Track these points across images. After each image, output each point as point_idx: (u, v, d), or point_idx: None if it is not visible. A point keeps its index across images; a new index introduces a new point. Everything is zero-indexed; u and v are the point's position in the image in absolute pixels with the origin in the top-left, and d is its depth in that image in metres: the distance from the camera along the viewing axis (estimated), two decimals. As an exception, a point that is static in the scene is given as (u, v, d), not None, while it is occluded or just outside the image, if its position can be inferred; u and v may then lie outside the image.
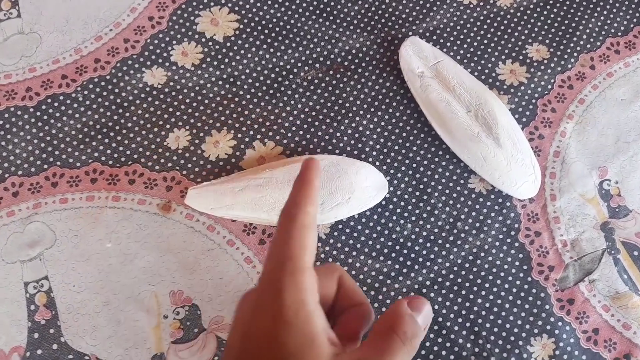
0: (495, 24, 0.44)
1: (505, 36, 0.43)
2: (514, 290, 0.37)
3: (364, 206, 0.38)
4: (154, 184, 0.39)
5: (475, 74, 0.42)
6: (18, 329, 0.35)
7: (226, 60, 0.42)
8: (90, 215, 0.38)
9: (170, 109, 0.40)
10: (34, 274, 0.36)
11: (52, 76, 0.41)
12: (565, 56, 0.43)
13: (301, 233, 0.21)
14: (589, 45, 0.43)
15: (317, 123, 0.41)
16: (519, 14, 0.44)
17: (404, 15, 0.44)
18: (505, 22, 0.44)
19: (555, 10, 0.44)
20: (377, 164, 0.40)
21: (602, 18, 0.44)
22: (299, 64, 0.42)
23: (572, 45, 0.43)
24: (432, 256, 0.38)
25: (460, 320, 0.36)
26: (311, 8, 0.44)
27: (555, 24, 0.44)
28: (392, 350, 0.20)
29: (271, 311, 0.20)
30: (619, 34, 0.44)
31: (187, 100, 0.41)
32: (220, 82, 0.41)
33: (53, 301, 0.36)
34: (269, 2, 0.43)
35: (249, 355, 0.20)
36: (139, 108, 0.40)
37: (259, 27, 0.43)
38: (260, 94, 0.41)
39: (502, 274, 0.37)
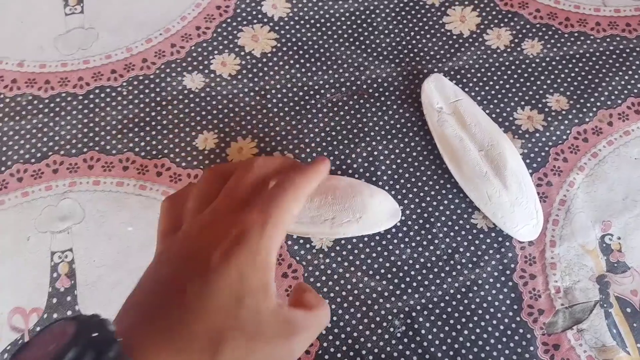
0: (519, 71, 0.45)
1: (528, 83, 0.45)
2: (501, 327, 0.38)
3: (373, 228, 0.40)
4: (178, 178, 0.42)
5: (493, 115, 0.44)
6: (40, 292, 0.39)
7: (260, 74, 0.45)
8: (118, 199, 0.41)
9: (203, 113, 0.44)
10: (60, 245, 0.40)
11: (103, 69, 0.45)
12: (584, 110, 0.44)
13: (293, 209, 0.26)
14: (609, 102, 0.44)
15: (335, 143, 0.43)
16: (544, 64, 0.46)
17: (432, 52, 0.46)
18: (530, 70, 0.45)
19: (580, 64, 0.46)
20: (387, 188, 0.42)
21: (626, 77, 0.45)
22: (327, 86, 0.45)
23: (592, 100, 0.44)
24: (426, 282, 0.39)
25: (444, 348, 0.38)
26: (345, 35, 0.47)
27: (579, 78, 0.45)
28: (319, 312, 0.27)
29: (251, 252, 0.24)
30: (641, 94, 0.45)
31: (220, 107, 0.44)
32: (251, 94, 0.44)
33: (74, 272, 0.39)
34: (307, 26, 0.47)
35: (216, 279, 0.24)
36: (175, 108, 0.44)
37: (295, 48, 0.46)
38: (286, 109, 0.44)
39: (491, 310, 0.39)
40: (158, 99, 0.44)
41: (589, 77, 0.45)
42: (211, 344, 0.22)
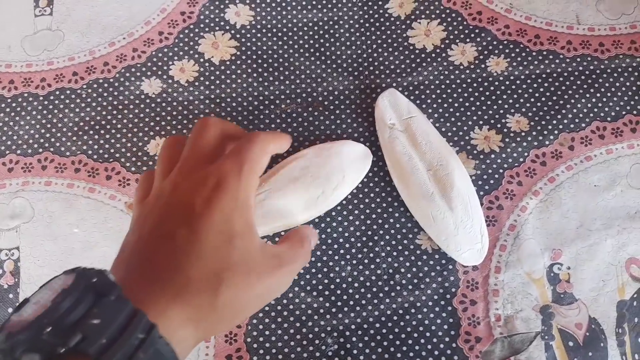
0: (481, 89, 0.44)
1: (489, 102, 0.44)
2: (436, 353, 0.37)
3: (360, 175, 0.40)
4: (127, 182, 0.42)
5: (449, 134, 0.43)
6: (-17, 288, 0.40)
7: (217, 82, 0.45)
8: (66, 200, 0.42)
9: (157, 118, 0.44)
10: (8, 243, 0.41)
11: (65, 71, 0.46)
12: (545, 132, 0.43)
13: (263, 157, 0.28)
14: (572, 125, 0.43)
15: (285, 155, 0.43)
16: (507, 83, 0.44)
17: (392, 67, 0.45)
18: (492, 88, 0.44)
19: (546, 84, 0.44)
20: (334, 204, 0.41)
21: (593, 100, 0.43)
22: (282, 96, 0.45)
23: (554, 122, 0.43)
24: (363, 302, 0.39)
25: (375, 370, 0.37)
26: (306, 46, 0.46)
27: (543, 98, 0.44)
28: (303, 247, 0.29)
29: (232, 195, 0.26)
30: (608, 119, 0.43)
31: (174, 113, 0.44)
32: (207, 101, 0.45)
33: (18, 270, 0.40)
34: (269, 35, 0.46)
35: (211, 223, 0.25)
36: (131, 112, 0.44)
37: (254, 57, 0.46)
38: (240, 118, 0.44)
39: (427, 334, 0.38)
40: (115, 102, 0.45)
41: (554, 98, 0.44)
42: (209, 286, 0.24)
